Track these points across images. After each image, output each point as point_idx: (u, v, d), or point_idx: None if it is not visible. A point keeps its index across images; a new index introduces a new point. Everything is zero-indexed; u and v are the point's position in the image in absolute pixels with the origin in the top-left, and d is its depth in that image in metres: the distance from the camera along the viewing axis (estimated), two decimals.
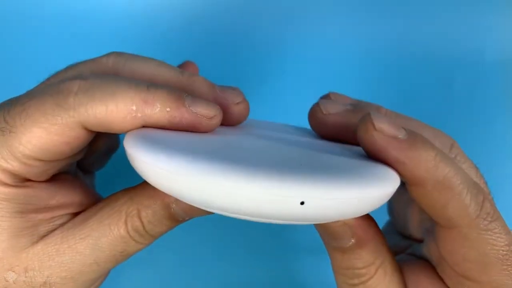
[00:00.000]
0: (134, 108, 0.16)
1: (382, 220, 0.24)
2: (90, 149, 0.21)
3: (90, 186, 0.24)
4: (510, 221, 0.17)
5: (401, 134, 0.15)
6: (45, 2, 0.34)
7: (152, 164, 0.14)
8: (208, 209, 0.14)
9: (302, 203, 0.13)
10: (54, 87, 0.16)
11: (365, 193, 0.14)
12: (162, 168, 0.13)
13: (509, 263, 0.16)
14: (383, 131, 0.15)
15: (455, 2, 0.38)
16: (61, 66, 0.19)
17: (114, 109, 0.15)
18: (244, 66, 0.36)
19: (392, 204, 0.23)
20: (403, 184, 0.21)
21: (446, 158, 0.16)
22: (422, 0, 0.38)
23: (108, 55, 0.18)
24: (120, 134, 0.23)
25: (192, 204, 0.14)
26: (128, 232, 0.17)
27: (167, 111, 0.16)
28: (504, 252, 0.16)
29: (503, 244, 0.16)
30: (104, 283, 0.20)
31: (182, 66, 0.24)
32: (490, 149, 0.36)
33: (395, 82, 0.38)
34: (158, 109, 0.16)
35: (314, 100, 0.20)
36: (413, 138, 0.16)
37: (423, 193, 0.16)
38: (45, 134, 0.16)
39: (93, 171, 0.25)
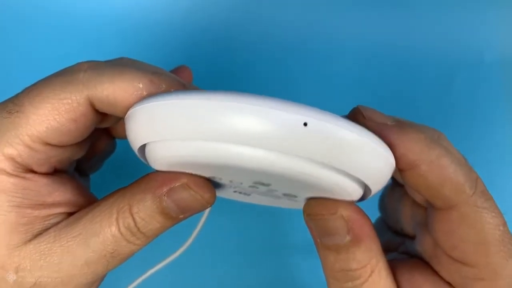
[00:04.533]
0: (140, 85, 0.16)
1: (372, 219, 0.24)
2: (91, 150, 0.21)
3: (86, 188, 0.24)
4: (511, 221, 0.17)
5: (389, 121, 0.16)
6: (46, 2, 0.34)
7: (180, 97, 0.14)
8: (213, 150, 0.14)
9: (305, 124, 0.13)
10: (63, 69, 0.17)
11: (369, 138, 0.14)
12: (195, 98, 0.13)
13: (504, 244, 0.16)
14: (372, 119, 0.16)
15: (455, 2, 0.38)
16: (60, 65, 0.19)
17: (121, 85, 0.16)
18: (242, 67, 0.36)
19: (385, 199, 0.23)
20: (395, 182, 0.21)
21: (435, 140, 0.16)
22: (422, 0, 0.38)
23: (121, 57, 0.19)
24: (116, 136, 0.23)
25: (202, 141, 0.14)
26: (119, 230, 0.17)
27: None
28: (500, 232, 0.16)
29: (499, 223, 0.16)
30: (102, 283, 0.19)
31: (177, 70, 0.24)
32: (490, 149, 0.36)
33: (395, 82, 0.37)
34: (163, 89, 0.16)
35: (314, 101, 0.20)
36: (402, 123, 0.17)
37: (417, 176, 0.16)
38: (53, 111, 0.16)
39: (88, 174, 0.24)
